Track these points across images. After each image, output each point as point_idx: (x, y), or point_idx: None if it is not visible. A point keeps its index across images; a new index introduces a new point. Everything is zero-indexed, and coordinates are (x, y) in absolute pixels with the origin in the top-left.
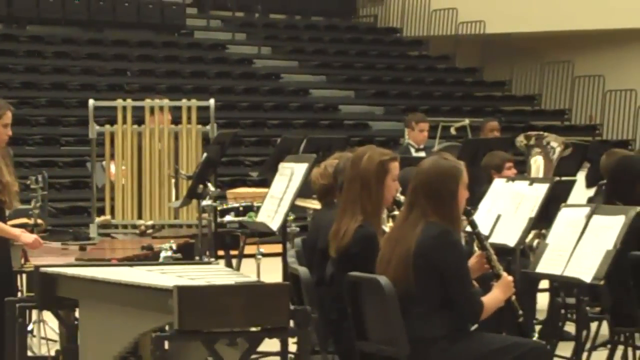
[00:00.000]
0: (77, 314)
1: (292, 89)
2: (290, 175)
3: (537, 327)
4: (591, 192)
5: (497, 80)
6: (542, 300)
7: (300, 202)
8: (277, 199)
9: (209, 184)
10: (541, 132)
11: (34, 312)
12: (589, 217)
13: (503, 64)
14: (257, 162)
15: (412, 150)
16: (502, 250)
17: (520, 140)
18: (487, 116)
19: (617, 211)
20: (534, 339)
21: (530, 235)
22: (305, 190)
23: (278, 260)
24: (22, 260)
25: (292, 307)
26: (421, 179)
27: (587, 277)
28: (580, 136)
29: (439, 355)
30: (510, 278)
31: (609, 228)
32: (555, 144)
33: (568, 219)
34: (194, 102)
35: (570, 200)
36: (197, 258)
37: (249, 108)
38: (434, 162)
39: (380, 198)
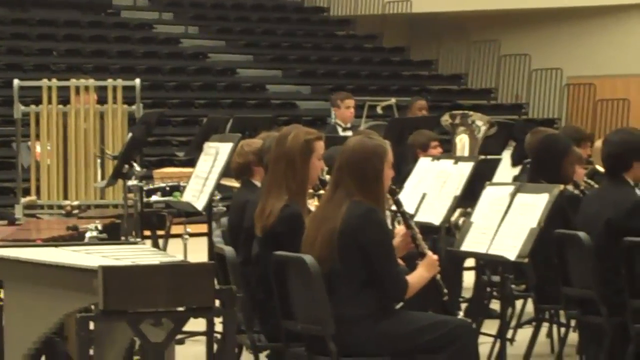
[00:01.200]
0: (1, 295)
1: (220, 68)
2: (215, 154)
3: (463, 305)
4: (517, 170)
5: (423, 59)
6: (468, 279)
7: (226, 182)
8: (202, 179)
9: (135, 164)
10: (466, 111)
11: None
12: (513, 196)
13: (430, 43)
14: (184, 142)
15: (339, 129)
16: (427, 229)
17: (446, 119)
18: (414, 95)
19: (541, 189)
20: (459, 317)
21: (456, 214)
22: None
23: (205, 240)
24: None
25: (217, 286)
26: (346, 158)
27: (512, 255)
28: (507, 115)
29: (364, 333)
30: (435, 257)
31: (533, 206)
32: (481, 122)
33: (492, 197)
34: (120, 82)
35: (496, 179)
36: (123, 238)
37: (176, 88)
38: (359, 141)
39: (305, 177)
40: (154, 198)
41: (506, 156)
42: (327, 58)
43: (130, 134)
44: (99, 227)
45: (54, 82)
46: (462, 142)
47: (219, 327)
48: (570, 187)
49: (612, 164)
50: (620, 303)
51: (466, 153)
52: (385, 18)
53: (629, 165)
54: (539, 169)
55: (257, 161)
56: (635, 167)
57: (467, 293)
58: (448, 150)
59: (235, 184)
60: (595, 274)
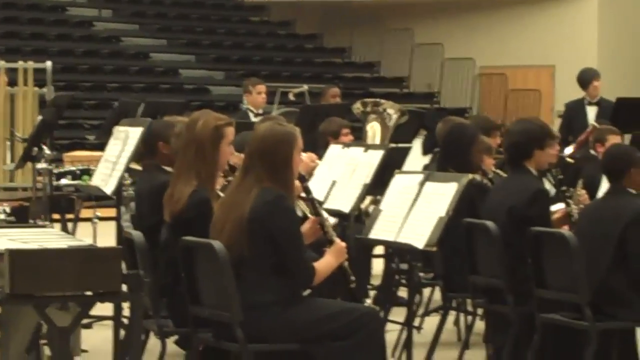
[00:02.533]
0: None
1: (133, 52)
2: (124, 138)
3: (372, 293)
4: (427, 159)
5: (337, 46)
6: (377, 266)
7: (136, 166)
8: (111, 163)
9: (45, 147)
10: (378, 99)
11: None
12: (422, 184)
13: (343, 30)
14: (96, 125)
15: (251, 115)
16: (337, 216)
17: (357, 107)
18: (327, 83)
19: (450, 178)
20: (368, 304)
21: (367, 201)
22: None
23: (114, 225)
24: None
25: (125, 271)
26: (256, 145)
27: (420, 243)
28: (419, 104)
29: (272, 320)
30: (343, 244)
31: (442, 195)
32: (392, 111)
33: (402, 185)
34: (31, 64)
35: (406, 167)
36: (31, 221)
37: (88, 71)
38: (269, 127)
39: (215, 163)
40: (64, 181)
41: (417, 145)
42: (240, 44)
43: (40, 117)
44: (7, 210)
45: None
46: (374, 130)
47: (127, 312)
48: (478, 176)
49: (514, 153)
50: (527, 292)
51: (377, 141)
52: (299, 5)
53: (530, 154)
54: (447, 157)
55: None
56: (536, 155)
57: (376, 280)
58: (359, 138)
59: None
60: (502, 263)
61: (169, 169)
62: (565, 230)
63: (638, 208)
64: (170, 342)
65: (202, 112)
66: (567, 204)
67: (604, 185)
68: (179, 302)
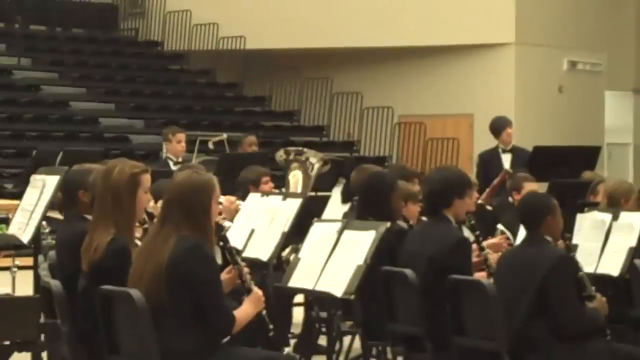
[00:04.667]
0: None
1: (52, 100)
2: (41, 187)
3: (293, 341)
4: (347, 207)
5: (257, 95)
6: (298, 314)
7: (54, 214)
8: (28, 212)
9: None
10: (300, 148)
11: None
12: (340, 232)
13: (263, 79)
14: (15, 174)
15: (171, 163)
16: (257, 264)
17: (280, 155)
18: (247, 131)
19: (368, 226)
20: (288, 352)
21: (287, 250)
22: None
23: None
24: None
25: (42, 320)
26: (174, 193)
27: (338, 291)
28: (339, 152)
29: None
30: (260, 293)
31: (360, 243)
32: (314, 159)
33: (320, 233)
34: None
35: (326, 215)
36: None
37: (7, 119)
38: (187, 176)
39: (132, 211)
40: None
41: (336, 193)
42: (160, 92)
43: None
44: None
45: None
46: (296, 179)
47: None
48: (402, 223)
49: (432, 201)
50: (445, 340)
51: (299, 189)
52: (219, 53)
53: (449, 202)
54: (366, 206)
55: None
56: (456, 204)
57: (296, 329)
58: (281, 186)
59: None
60: (421, 311)
61: (89, 217)
62: (483, 278)
63: (556, 256)
64: None
65: (118, 160)
66: (482, 249)
67: (521, 233)
68: (98, 351)
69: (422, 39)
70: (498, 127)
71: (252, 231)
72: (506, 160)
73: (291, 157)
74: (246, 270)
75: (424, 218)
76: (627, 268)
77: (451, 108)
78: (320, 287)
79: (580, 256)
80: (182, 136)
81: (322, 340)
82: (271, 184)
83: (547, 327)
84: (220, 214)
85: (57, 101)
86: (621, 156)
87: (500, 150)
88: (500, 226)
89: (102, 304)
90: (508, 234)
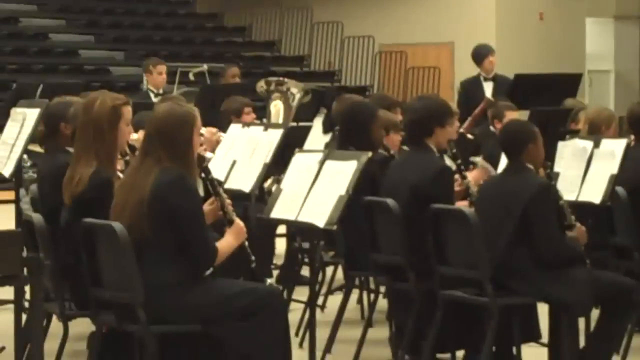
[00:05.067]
0: None
1: (31, 33)
2: (22, 120)
3: (275, 272)
4: (328, 137)
5: (237, 25)
6: (281, 245)
7: (35, 148)
8: (9, 145)
9: None
10: (282, 78)
11: None
12: (322, 163)
13: (244, 9)
14: None
15: (152, 95)
16: (239, 196)
17: (261, 85)
18: (228, 62)
19: (350, 156)
20: (270, 283)
21: (269, 181)
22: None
23: (14, 207)
24: None
25: (25, 254)
26: (155, 125)
27: (321, 222)
28: (320, 82)
29: (173, 301)
30: (242, 224)
31: (342, 173)
32: (295, 90)
33: (302, 164)
34: None
35: (307, 146)
36: None
37: None
38: (168, 108)
39: (114, 143)
40: None
41: (318, 123)
42: (140, 24)
43: None
44: None
45: None
46: (277, 109)
47: (28, 296)
48: (383, 152)
49: (414, 130)
50: (428, 269)
51: (280, 120)
52: None
53: (430, 131)
54: (347, 136)
55: None
56: (437, 133)
57: (279, 260)
58: (262, 117)
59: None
60: (403, 240)
61: (71, 149)
62: (465, 206)
63: (537, 184)
64: (73, 325)
65: (99, 92)
66: (464, 177)
67: (503, 162)
68: (80, 285)
69: None
70: (480, 55)
71: (234, 162)
72: (488, 88)
73: (272, 87)
74: (228, 201)
75: (405, 147)
76: (608, 195)
77: (432, 37)
78: (303, 218)
79: (561, 184)
80: (163, 68)
81: (305, 271)
82: (253, 115)
83: (528, 255)
84: (201, 145)
85: (37, 33)
86: (602, 83)
87: (482, 78)
88: (479, 160)
89: (85, 237)
90: (488, 166)
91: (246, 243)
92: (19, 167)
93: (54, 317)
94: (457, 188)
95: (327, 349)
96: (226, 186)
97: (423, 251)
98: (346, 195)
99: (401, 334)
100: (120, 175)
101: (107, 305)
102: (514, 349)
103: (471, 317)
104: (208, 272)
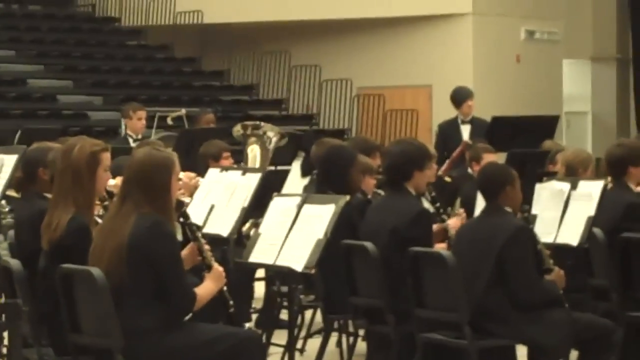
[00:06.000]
0: None
1: (9, 79)
2: (0, 166)
3: (255, 316)
4: (306, 180)
5: (215, 70)
6: (259, 289)
7: (15, 194)
8: None
9: None
10: (257, 122)
11: None
12: (300, 207)
13: (222, 53)
14: None
15: (131, 140)
16: (218, 240)
17: (237, 129)
18: (206, 106)
19: (328, 200)
20: (250, 327)
21: (248, 225)
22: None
23: None
24: None
25: (3, 300)
26: (133, 170)
27: (299, 265)
28: (298, 125)
29: (153, 346)
30: (221, 269)
31: (320, 217)
32: (272, 133)
33: (280, 208)
34: None
35: (286, 189)
36: None
37: None
38: (146, 153)
39: (92, 189)
40: None
41: (296, 167)
42: (118, 68)
43: None
44: None
45: None
46: (254, 153)
47: (7, 342)
48: (360, 196)
49: (393, 174)
50: (407, 312)
51: (258, 164)
52: (176, 28)
53: (409, 175)
54: (325, 179)
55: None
56: (416, 176)
57: (258, 303)
58: (240, 161)
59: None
60: (382, 283)
61: (49, 195)
62: (443, 249)
63: (513, 227)
64: None
65: (78, 138)
66: (443, 220)
67: (480, 204)
68: (59, 330)
69: (379, 10)
70: (459, 98)
71: (212, 207)
72: (465, 131)
73: (248, 131)
74: (207, 246)
75: (379, 191)
76: (586, 237)
77: (410, 79)
78: (281, 262)
79: (539, 226)
80: (143, 113)
81: (284, 315)
82: (231, 159)
83: (506, 297)
84: (179, 190)
85: (15, 79)
86: (580, 125)
87: (459, 121)
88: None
89: (63, 282)
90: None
91: (225, 288)
92: None
93: None
94: (435, 230)
95: None
96: (204, 230)
97: (402, 294)
98: (324, 239)
99: None
100: (99, 220)
101: (86, 351)
102: None
103: (450, 359)
104: (187, 317)
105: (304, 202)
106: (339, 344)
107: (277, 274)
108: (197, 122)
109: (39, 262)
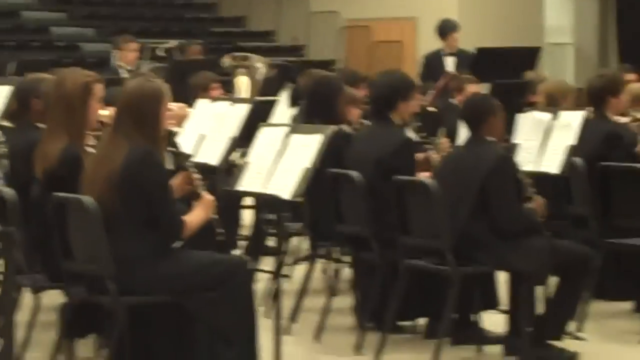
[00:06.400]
0: None
1: (3, 11)
2: None
3: (243, 243)
4: (294, 110)
5: (205, 2)
6: (247, 217)
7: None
8: None
9: None
10: (246, 54)
11: None
12: (287, 136)
13: None
14: None
15: (122, 71)
16: (207, 169)
17: (226, 60)
18: (197, 38)
19: (315, 130)
20: (238, 254)
21: (237, 154)
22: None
23: None
24: None
25: None
26: (125, 101)
27: (286, 194)
28: (286, 57)
29: (143, 273)
30: (211, 198)
31: (307, 146)
32: (260, 64)
33: (268, 138)
34: None
35: (275, 119)
36: None
37: None
38: (138, 84)
39: (84, 120)
40: None
41: (284, 97)
42: (111, 1)
43: None
44: None
45: None
46: (242, 84)
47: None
48: (345, 127)
49: (378, 105)
50: (391, 239)
51: (246, 94)
52: None
53: (394, 106)
54: (313, 110)
55: None
56: (400, 107)
57: (245, 231)
58: (229, 91)
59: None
60: (367, 212)
61: (42, 125)
62: (427, 178)
63: (496, 156)
64: (44, 296)
65: (70, 69)
66: (427, 151)
67: (464, 134)
68: (52, 258)
69: None
70: (445, 30)
71: (202, 136)
72: (450, 62)
73: (237, 62)
74: (196, 175)
75: (364, 121)
76: (566, 166)
77: (395, 12)
78: (269, 190)
79: (521, 155)
80: (134, 45)
81: (271, 242)
82: (221, 90)
83: (488, 225)
84: (170, 119)
85: (8, 11)
86: (561, 56)
87: (443, 53)
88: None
89: (56, 210)
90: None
91: (214, 216)
92: None
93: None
94: (419, 157)
95: (293, 318)
96: (194, 160)
97: (387, 222)
98: (311, 168)
99: (365, 302)
100: (92, 150)
101: (78, 277)
102: (474, 316)
103: (433, 285)
104: (177, 244)
105: (291, 131)
106: (324, 270)
107: (264, 202)
108: (185, 53)
109: (32, 191)
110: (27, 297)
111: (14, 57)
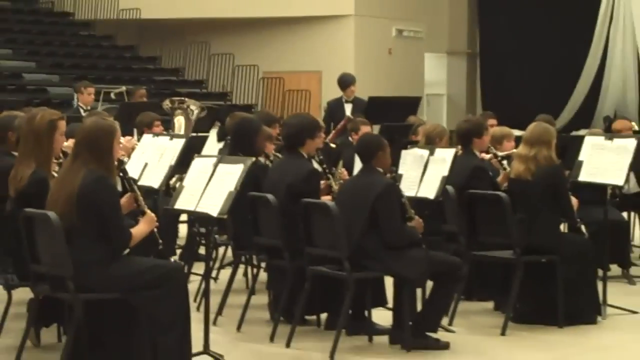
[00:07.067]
0: None
1: None
2: None
3: (179, 251)
4: (221, 145)
5: (150, 55)
6: (183, 230)
7: None
8: None
9: None
10: (183, 98)
11: None
12: (216, 165)
13: (155, 43)
14: None
15: (82, 111)
16: (150, 191)
17: (166, 103)
18: (143, 85)
19: (238, 161)
20: (175, 260)
21: (174, 179)
22: None
23: None
24: None
25: None
26: (83, 135)
27: (214, 212)
28: (215, 101)
29: (97, 275)
30: (153, 215)
31: (232, 173)
32: (194, 107)
33: (200, 166)
34: None
35: (205, 152)
36: None
37: None
38: (94, 121)
39: (50, 149)
40: None
41: (213, 134)
42: (72, 53)
43: None
44: None
45: None
46: (180, 123)
47: None
48: (262, 159)
49: (290, 141)
50: (299, 250)
51: (182, 131)
52: (119, 22)
53: (303, 142)
54: (236, 144)
55: None
56: (308, 143)
57: (181, 242)
58: (168, 128)
59: None
60: (280, 227)
61: (16, 153)
62: (328, 201)
63: (384, 184)
64: (15, 293)
65: (39, 109)
66: (328, 178)
67: (358, 166)
68: (22, 262)
69: (281, 10)
70: (345, 82)
71: (146, 164)
72: (348, 108)
73: (175, 105)
74: (141, 196)
75: (278, 154)
76: (440, 192)
77: (304, 66)
78: (200, 209)
79: (404, 184)
80: (92, 89)
81: (202, 250)
82: (161, 127)
83: (377, 239)
84: (120, 151)
85: None
86: (437, 104)
87: (343, 100)
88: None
89: (25, 223)
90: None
91: (155, 230)
92: None
93: (0, 287)
94: (322, 184)
95: (219, 312)
96: (140, 183)
97: (295, 235)
98: (235, 191)
99: (278, 300)
100: (55, 174)
101: (43, 277)
102: (367, 312)
103: (333, 287)
104: (125, 252)
105: (219, 161)
106: (245, 274)
107: (197, 218)
108: (132, 96)
109: (6, 207)
110: (0, 294)
111: None
